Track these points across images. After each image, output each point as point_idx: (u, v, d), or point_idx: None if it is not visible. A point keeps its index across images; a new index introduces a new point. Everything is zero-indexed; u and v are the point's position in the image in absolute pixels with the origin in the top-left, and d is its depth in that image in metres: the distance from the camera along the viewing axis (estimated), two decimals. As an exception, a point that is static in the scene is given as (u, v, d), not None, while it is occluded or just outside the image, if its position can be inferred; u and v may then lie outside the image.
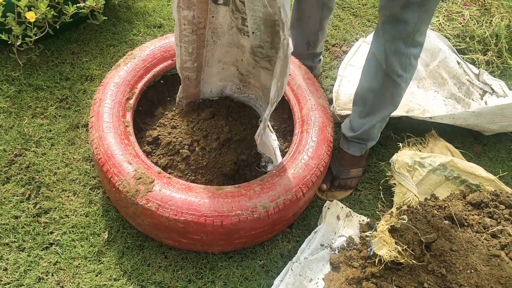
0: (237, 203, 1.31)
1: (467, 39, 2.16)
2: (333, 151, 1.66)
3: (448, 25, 2.23)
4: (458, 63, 2.03)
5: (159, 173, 1.35)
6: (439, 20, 2.25)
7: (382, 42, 1.42)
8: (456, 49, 2.10)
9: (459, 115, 1.77)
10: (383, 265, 1.39)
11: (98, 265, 1.41)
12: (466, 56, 2.11)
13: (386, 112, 1.59)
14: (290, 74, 1.66)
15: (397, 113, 1.80)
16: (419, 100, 1.92)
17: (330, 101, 1.86)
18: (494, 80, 1.99)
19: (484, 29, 2.15)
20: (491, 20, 2.18)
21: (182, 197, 1.30)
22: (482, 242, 1.48)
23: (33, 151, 1.63)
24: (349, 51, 2.07)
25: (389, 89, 1.50)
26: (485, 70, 2.04)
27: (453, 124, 1.80)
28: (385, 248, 1.40)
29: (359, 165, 1.70)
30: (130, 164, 1.34)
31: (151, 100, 1.72)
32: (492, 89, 1.95)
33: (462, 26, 2.20)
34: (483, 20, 2.19)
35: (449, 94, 1.98)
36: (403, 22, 1.34)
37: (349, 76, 1.92)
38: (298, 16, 1.73)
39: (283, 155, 1.59)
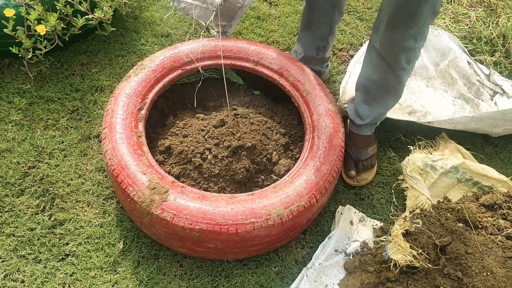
0: (251, 211, 1.31)
1: (474, 41, 2.16)
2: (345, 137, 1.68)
3: (455, 27, 2.23)
4: (469, 63, 2.03)
5: (173, 182, 1.36)
6: (445, 22, 2.25)
7: (388, 40, 1.43)
8: (463, 50, 2.11)
9: (459, 120, 1.77)
10: (398, 269, 1.39)
11: (114, 275, 1.42)
12: (474, 57, 2.10)
13: (391, 101, 1.62)
14: (299, 80, 1.66)
15: (399, 116, 1.81)
16: (424, 101, 1.92)
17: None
18: (505, 80, 1.98)
19: (491, 30, 2.15)
20: (498, 21, 2.18)
21: (196, 206, 1.30)
22: (497, 244, 1.47)
23: (46, 162, 1.64)
24: (355, 54, 2.07)
25: (391, 82, 1.54)
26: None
27: (453, 128, 1.80)
28: (400, 252, 1.39)
29: (373, 142, 1.74)
30: (144, 174, 1.35)
31: (161, 110, 1.73)
32: (502, 90, 1.95)
33: (469, 27, 2.20)
34: (489, 21, 2.19)
35: (458, 94, 1.98)
36: (416, 18, 1.34)
37: (357, 72, 1.93)
38: (308, 20, 1.73)
39: (294, 161, 1.60)
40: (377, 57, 1.50)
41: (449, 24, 2.24)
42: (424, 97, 1.94)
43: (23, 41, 1.73)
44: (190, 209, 1.30)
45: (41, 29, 1.70)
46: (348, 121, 1.76)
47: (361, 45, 2.18)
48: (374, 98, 1.61)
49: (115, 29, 2.02)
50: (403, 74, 1.50)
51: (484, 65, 2.08)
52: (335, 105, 1.63)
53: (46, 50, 1.80)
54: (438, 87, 2.01)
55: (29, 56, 1.79)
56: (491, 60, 2.09)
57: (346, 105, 1.80)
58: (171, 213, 1.29)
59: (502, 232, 1.51)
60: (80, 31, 1.87)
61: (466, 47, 2.12)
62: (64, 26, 1.81)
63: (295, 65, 1.70)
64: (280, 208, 1.33)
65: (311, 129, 1.55)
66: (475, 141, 1.86)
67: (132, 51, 2.04)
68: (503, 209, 1.57)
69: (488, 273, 1.37)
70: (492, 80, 1.99)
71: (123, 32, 2.11)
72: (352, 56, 2.12)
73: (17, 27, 1.71)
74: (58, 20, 1.76)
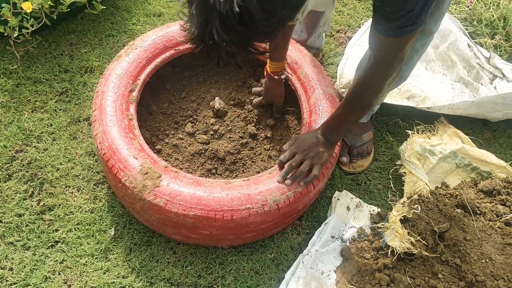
0: (247, 196, 1.27)
1: (475, 23, 2.11)
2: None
3: (455, 9, 2.18)
4: (469, 46, 1.99)
5: (166, 167, 1.32)
6: (445, 3, 2.19)
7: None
8: (463, 33, 2.06)
9: (458, 105, 1.73)
10: (395, 256, 1.37)
11: (105, 262, 1.38)
12: (474, 40, 2.06)
13: (395, 84, 1.54)
14: (296, 62, 1.61)
15: (397, 100, 1.77)
16: (423, 85, 1.88)
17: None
18: (506, 64, 1.94)
19: (491, 12, 2.10)
20: (499, 3, 2.13)
21: (190, 192, 1.26)
22: (496, 231, 1.45)
23: (35, 146, 1.58)
24: (353, 36, 2.02)
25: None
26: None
27: (453, 114, 1.76)
28: (398, 239, 1.37)
29: (369, 129, 1.71)
30: (136, 158, 1.31)
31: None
32: (502, 73, 1.91)
33: (469, 9, 2.14)
34: (490, 3, 2.14)
35: (458, 78, 1.94)
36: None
37: (356, 55, 1.89)
38: None
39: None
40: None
41: (450, 5, 2.18)
42: (423, 81, 1.89)
43: (8, 19, 1.65)
44: (184, 195, 1.26)
45: (27, 7, 1.62)
46: None
47: (359, 27, 2.12)
48: None
49: (105, 7, 1.94)
50: (416, 55, 1.42)
51: (484, 48, 2.04)
52: (332, 88, 1.58)
53: (33, 29, 1.72)
54: (437, 70, 1.97)
55: (15, 35, 1.71)
56: (491, 43, 2.05)
57: (343, 90, 1.75)
58: (164, 199, 1.25)
59: (501, 218, 1.48)
60: (69, 9, 1.79)
61: (466, 29, 2.08)
62: (52, 4, 1.74)
63: (292, 46, 1.64)
64: (276, 194, 1.29)
65: (308, 113, 1.51)
66: (474, 126, 1.83)
67: (123, 30, 1.97)
68: (502, 195, 1.54)
69: (487, 260, 1.35)
70: (492, 63, 1.95)
71: (114, 11, 2.03)
72: (350, 38, 2.07)
73: (3, 4, 1.63)
74: (45, -2, 1.69)
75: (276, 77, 1.53)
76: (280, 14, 0.86)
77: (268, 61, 1.52)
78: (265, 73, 1.57)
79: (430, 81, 1.92)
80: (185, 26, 0.89)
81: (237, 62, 0.92)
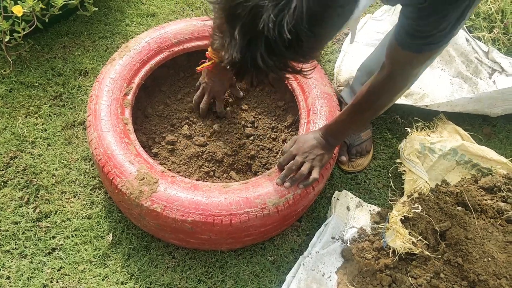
0: (245, 200, 1.26)
1: (472, 16, 2.09)
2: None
3: (452, 2, 2.15)
4: (467, 40, 1.96)
5: (163, 172, 1.30)
6: (442, -3, 2.17)
7: None
8: (461, 27, 2.04)
9: (457, 102, 1.72)
10: (397, 256, 1.36)
11: (104, 269, 1.37)
12: (472, 34, 2.04)
13: None
14: (293, 62, 1.59)
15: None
16: (421, 82, 1.86)
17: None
18: (504, 58, 1.92)
19: (489, 5, 2.08)
20: (496, -4, 2.11)
21: (188, 197, 1.24)
22: (497, 228, 1.44)
23: (29, 152, 1.56)
24: (350, 33, 2.00)
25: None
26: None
27: (452, 111, 1.75)
28: (399, 239, 1.36)
29: (367, 127, 1.69)
30: (132, 164, 1.29)
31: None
32: (501, 67, 1.89)
33: (467, 2, 2.12)
34: (487, -4, 2.12)
35: (456, 73, 1.92)
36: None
37: (353, 52, 1.86)
38: None
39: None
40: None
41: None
42: (421, 77, 1.87)
43: (-1, 23, 1.63)
44: (181, 200, 1.24)
45: (17, 10, 1.59)
46: (342, 105, 1.70)
47: (356, 23, 2.10)
48: None
49: (97, 9, 1.91)
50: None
51: (483, 42, 2.02)
52: (330, 87, 1.56)
53: (25, 32, 1.69)
54: (436, 65, 1.95)
55: (6, 39, 1.68)
56: (490, 36, 2.03)
57: (341, 88, 1.73)
58: (161, 205, 1.23)
59: (502, 216, 1.47)
60: (61, 12, 1.76)
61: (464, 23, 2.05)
62: (43, 7, 1.71)
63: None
64: (275, 197, 1.27)
65: (306, 113, 1.49)
66: (473, 122, 1.81)
67: (117, 32, 1.94)
68: (503, 192, 1.53)
69: (489, 259, 1.34)
70: (491, 57, 1.93)
71: (107, 12, 2.01)
72: (346, 35, 2.04)
73: (-8, 8, 1.61)
74: (36, 0, 1.66)
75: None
76: (328, 37, 0.83)
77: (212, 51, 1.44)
78: (209, 63, 1.47)
79: (429, 77, 1.90)
80: (216, 43, 0.83)
81: (270, 81, 0.87)
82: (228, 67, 0.85)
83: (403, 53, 1.07)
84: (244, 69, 0.84)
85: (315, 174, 1.30)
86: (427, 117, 1.75)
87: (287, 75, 0.88)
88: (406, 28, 1.02)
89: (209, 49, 1.45)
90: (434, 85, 1.86)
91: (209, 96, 1.57)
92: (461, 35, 1.97)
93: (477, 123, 1.81)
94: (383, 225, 1.44)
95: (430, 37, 1.01)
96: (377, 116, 1.29)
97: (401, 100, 1.74)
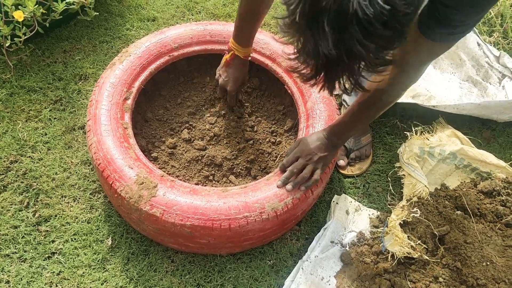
0: (244, 204, 1.26)
1: (472, 20, 2.09)
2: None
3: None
4: (478, 44, 1.96)
5: (162, 176, 1.30)
6: (441, 2, 2.18)
7: None
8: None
9: (464, 106, 1.72)
10: (396, 260, 1.36)
11: (103, 273, 1.37)
12: (471, 38, 2.04)
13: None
14: (292, 66, 1.60)
15: (402, 99, 1.75)
16: (429, 84, 1.87)
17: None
18: (516, 63, 1.92)
19: (488, 9, 2.08)
20: (495, 0, 2.11)
21: (187, 201, 1.25)
22: (497, 233, 1.44)
23: (29, 156, 1.57)
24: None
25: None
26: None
27: (457, 113, 1.75)
28: (398, 244, 1.36)
29: (366, 131, 1.69)
30: (132, 168, 1.29)
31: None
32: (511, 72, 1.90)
33: (466, 7, 2.13)
34: (487, 0, 2.12)
35: (466, 77, 1.92)
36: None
37: None
38: None
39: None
40: None
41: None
42: (431, 80, 1.87)
43: (0, 28, 1.64)
44: (180, 205, 1.24)
45: (18, 15, 1.60)
46: (342, 108, 1.70)
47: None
48: None
49: (98, 13, 1.92)
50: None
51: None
52: (329, 91, 1.56)
53: (26, 37, 1.71)
54: (446, 69, 1.95)
55: (7, 44, 1.69)
56: (490, 40, 2.03)
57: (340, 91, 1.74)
58: (160, 209, 1.24)
59: (501, 220, 1.47)
60: (61, 16, 1.77)
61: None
62: (44, 11, 1.72)
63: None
64: (274, 201, 1.28)
65: (305, 118, 1.49)
66: (472, 126, 1.81)
67: (117, 36, 1.95)
68: (502, 196, 1.53)
69: (488, 263, 1.34)
70: (502, 62, 1.92)
71: (107, 16, 2.02)
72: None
73: (-7, 13, 1.62)
74: (37, 5, 1.67)
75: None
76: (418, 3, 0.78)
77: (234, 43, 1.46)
78: (229, 55, 1.50)
79: (438, 80, 1.90)
80: (294, 47, 0.79)
81: (345, 85, 0.81)
82: (316, 71, 0.80)
83: (425, 42, 1.03)
84: (337, 64, 0.78)
85: (316, 175, 1.30)
86: (426, 121, 1.75)
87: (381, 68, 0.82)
88: (435, 15, 0.96)
89: (231, 40, 1.47)
90: (443, 88, 1.87)
91: (221, 90, 1.59)
92: (472, 39, 1.96)
93: (476, 127, 1.81)
94: (382, 229, 1.44)
95: (460, 27, 0.97)
96: (383, 112, 1.27)
97: (407, 100, 1.74)
